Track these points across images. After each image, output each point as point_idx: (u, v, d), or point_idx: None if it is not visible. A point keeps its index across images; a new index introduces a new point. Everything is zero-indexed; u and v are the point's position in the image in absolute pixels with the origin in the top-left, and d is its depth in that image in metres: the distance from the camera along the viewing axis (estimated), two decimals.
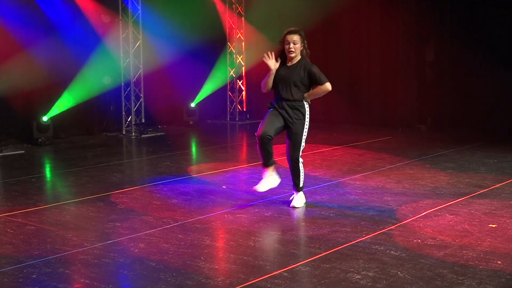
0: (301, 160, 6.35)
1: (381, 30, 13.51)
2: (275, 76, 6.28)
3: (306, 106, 6.30)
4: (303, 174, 6.41)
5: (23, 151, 10.58)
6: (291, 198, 6.57)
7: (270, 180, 6.41)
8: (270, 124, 6.22)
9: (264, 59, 6.22)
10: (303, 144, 6.31)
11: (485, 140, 11.39)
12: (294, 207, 6.38)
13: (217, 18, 14.73)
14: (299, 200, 6.45)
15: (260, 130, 6.19)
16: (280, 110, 6.27)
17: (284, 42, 6.21)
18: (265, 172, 6.40)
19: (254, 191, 6.98)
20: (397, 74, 13.40)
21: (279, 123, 6.25)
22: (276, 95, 6.39)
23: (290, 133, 6.28)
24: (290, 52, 6.18)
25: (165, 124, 13.79)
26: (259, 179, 7.93)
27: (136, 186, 7.73)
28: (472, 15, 12.25)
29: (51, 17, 11.52)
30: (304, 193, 6.59)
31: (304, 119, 6.26)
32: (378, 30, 13.56)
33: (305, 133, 6.29)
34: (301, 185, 6.42)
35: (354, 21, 13.83)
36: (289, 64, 6.28)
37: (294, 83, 6.20)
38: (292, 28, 6.25)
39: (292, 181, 6.46)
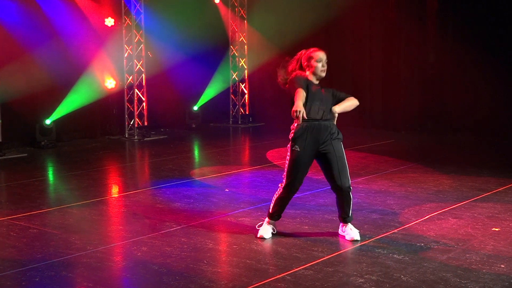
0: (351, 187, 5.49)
1: (383, 33, 13.51)
2: (308, 93, 5.31)
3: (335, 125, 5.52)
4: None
5: (26, 154, 10.59)
6: (341, 231, 5.56)
7: (270, 227, 5.62)
8: (303, 173, 5.41)
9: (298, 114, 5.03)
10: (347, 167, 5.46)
11: (488, 143, 11.38)
12: (354, 240, 5.41)
13: (219, 22, 14.75)
14: (353, 230, 5.49)
15: (292, 181, 5.39)
16: (310, 139, 5.35)
17: (312, 59, 5.40)
18: (268, 221, 5.63)
19: (257, 194, 6.99)
20: (399, 77, 13.39)
21: (309, 165, 5.46)
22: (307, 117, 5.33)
23: (331, 158, 5.38)
24: (323, 71, 5.42)
25: (167, 127, 13.81)
26: (261, 182, 7.98)
27: (139, 190, 7.73)
28: (473, 17, 12.22)
29: (54, 21, 11.54)
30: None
31: (341, 138, 5.47)
32: (380, 34, 13.56)
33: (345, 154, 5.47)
34: (350, 213, 5.51)
35: (357, 24, 13.83)
36: (315, 82, 5.46)
37: (328, 103, 5.41)
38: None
39: (339, 211, 5.52)
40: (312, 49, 5.46)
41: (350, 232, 5.45)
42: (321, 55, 5.42)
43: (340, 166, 5.37)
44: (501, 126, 11.95)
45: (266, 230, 5.56)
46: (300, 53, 5.54)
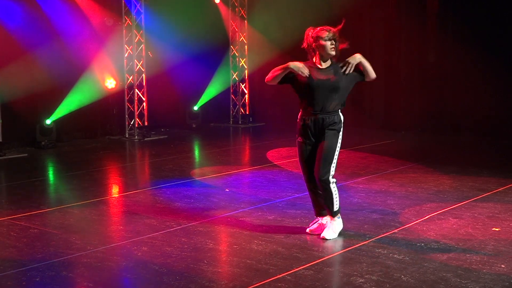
0: (332, 180, 5.30)
1: (383, 33, 13.51)
2: (307, 83, 5.28)
3: (341, 115, 5.47)
4: (336, 197, 5.36)
5: (26, 154, 10.59)
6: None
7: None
8: (311, 163, 5.37)
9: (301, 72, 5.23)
10: (335, 160, 5.30)
11: (488, 143, 11.38)
12: (324, 239, 5.38)
13: (220, 22, 14.75)
14: (331, 229, 5.44)
15: (304, 176, 5.48)
16: (312, 130, 5.35)
17: (320, 39, 5.31)
18: (319, 220, 5.59)
19: (257, 194, 6.96)
20: (399, 77, 13.38)
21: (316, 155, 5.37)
22: (307, 107, 5.35)
23: (319, 146, 5.32)
24: (332, 50, 5.34)
25: (168, 127, 13.81)
26: (262, 182, 7.98)
27: (139, 190, 7.73)
28: (473, 17, 12.22)
29: (54, 21, 11.54)
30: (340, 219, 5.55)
31: (339, 130, 5.38)
32: (380, 34, 13.55)
33: (338, 147, 5.35)
34: (335, 208, 5.38)
35: (357, 24, 13.82)
36: (322, 67, 5.38)
37: (336, 92, 5.35)
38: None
39: (317, 205, 5.55)
40: (319, 28, 5.37)
41: (326, 230, 5.41)
42: (329, 33, 5.34)
43: (324, 156, 5.27)
44: (501, 126, 11.94)
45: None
46: (306, 33, 5.43)
